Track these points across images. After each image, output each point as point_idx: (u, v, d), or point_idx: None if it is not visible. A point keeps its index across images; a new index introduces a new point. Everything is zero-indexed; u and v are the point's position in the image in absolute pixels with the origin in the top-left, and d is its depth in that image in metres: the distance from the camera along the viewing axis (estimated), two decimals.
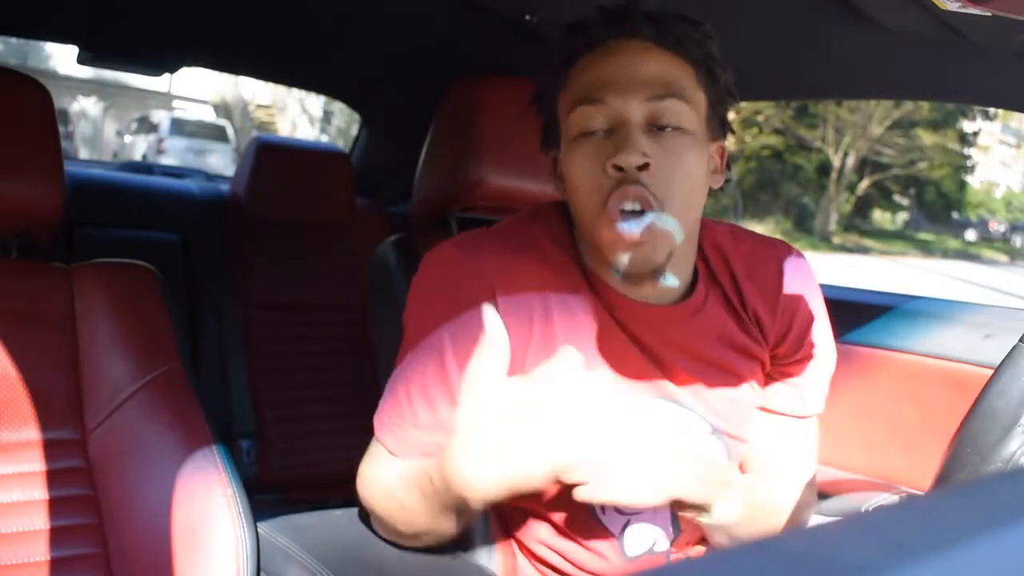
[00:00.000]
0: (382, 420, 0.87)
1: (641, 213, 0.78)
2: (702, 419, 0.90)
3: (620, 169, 0.79)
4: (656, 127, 0.81)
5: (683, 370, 0.88)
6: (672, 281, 0.84)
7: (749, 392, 0.92)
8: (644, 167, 0.78)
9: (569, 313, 0.86)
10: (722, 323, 0.90)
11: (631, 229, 0.78)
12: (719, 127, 0.87)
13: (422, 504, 0.78)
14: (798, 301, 0.92)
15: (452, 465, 0.70)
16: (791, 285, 0.92)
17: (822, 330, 0.94)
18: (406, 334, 0.88)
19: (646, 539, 0.91)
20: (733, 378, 0.90)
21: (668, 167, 0.79)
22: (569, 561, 0.93)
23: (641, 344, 0.87)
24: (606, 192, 0.79)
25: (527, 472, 0.67)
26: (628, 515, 0.90)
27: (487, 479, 0.68)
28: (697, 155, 0.82)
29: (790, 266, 0.93)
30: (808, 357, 0.92)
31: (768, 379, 0.94)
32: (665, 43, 0.82)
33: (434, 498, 0.76)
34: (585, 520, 0.89)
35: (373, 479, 0.86)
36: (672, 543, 0.92)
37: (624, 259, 0.80)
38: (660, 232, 0.79)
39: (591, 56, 0.83)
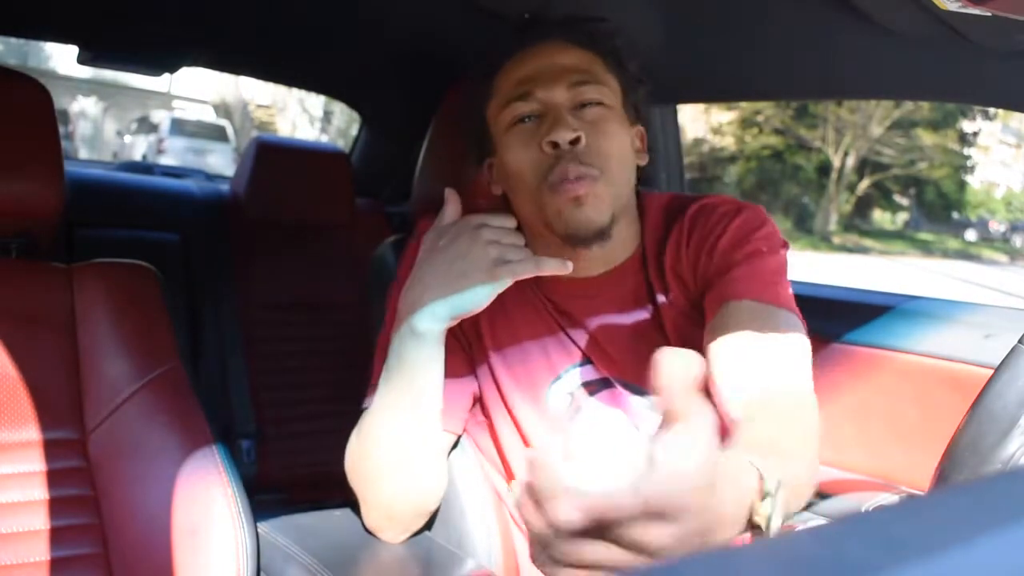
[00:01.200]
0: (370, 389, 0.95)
1: (581, 179, 0.86)
2: (640, 393, 0.92)
3: (556, 146, 0.86)
4: (581, 106, 0.89)
5: (618, 340, 0.93)
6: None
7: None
8: (576, 141, 0.86)
9: (506, 293, 0.91)
10: (655, 289, 0.94)
11: (573, 187, 0.85)
12: (635, 113, 0.95)
13: (389, 393, 0.90)
14: (717, 243, 0.91)
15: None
16: (715, 232, 0.91)
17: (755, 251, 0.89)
18: (390, 309, 0.98)
19: None
20: (662, 343, 0.91)
21: (597, 137, 0.87)
22: None
23: (571, 318, 0.95)
24: (546, 168, 0.87)
25: None
26: None
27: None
28: (620, 128, 0.91)
29: (712, 213, 0.93)
30: (746, 259, 0.88)
31: (718, 293, 0.89)
32: (576, 40, 0.92)
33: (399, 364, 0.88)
34: None
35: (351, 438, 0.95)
36: None
37: (570, 219, 0.87)
38: (600, 192, 0.86)
39: (513, 61, 0.93)
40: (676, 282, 0.93)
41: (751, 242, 0.90)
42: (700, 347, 0.86)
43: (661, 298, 0.94)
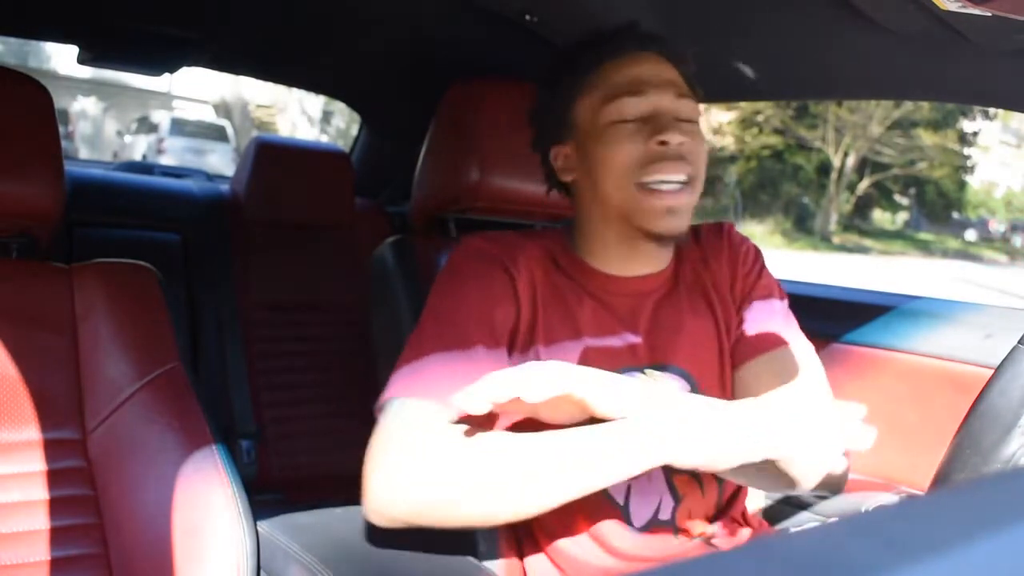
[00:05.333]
0: (431, 383, 0.85)
1: (679, 185, 0.94)
2: (683, 379, 0.98)
3: (665, 144, 0.93)
4: (679, 119, 0.96)
5: (664, 333, 0.99)
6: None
7: (719, 347, 1.02)
8: (682, 144, 0.94)
9: (561, 292, 0.99)
10: (693, 292, 1.04)
11: (670, 197, 0.93)
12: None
13: (587, 461, 0.76)
14: (748, 264, 1.06)
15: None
16: (738, 249, 1.07)
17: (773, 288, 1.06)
18: (429, 305, 0.96)
19: (649, 507, 0.95)
20: (707, 338, 1.01)
21: (695, 146, 0.96)
22: (574, 543, 0.93)
23: (621, 314, 0.99)
24: (647, 163, 0.93)
25: None
26: (629, 482, 0.93)
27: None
28: (704, 144, 0.99)
29: (734, 236, 1.08)
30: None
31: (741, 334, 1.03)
32: (669, 56, 1.00)
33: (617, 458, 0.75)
34: (592, 495, 0.90)
35: (458, 444, 0.79)
36: (675, 511, 0.95)
37: (663, 223, 0.94)
38: (688, 202, 0.95)
39: (617, 60, 0.98)
40: (712, 286, 1.04)
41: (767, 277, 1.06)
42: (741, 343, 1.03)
43: (704, 298, 1.03)
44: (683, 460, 0.75)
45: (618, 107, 0.96)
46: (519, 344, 0.95)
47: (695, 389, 0.98)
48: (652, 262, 1.02)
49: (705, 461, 0.75)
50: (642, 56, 0.99)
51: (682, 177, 0.94)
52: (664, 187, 0.93)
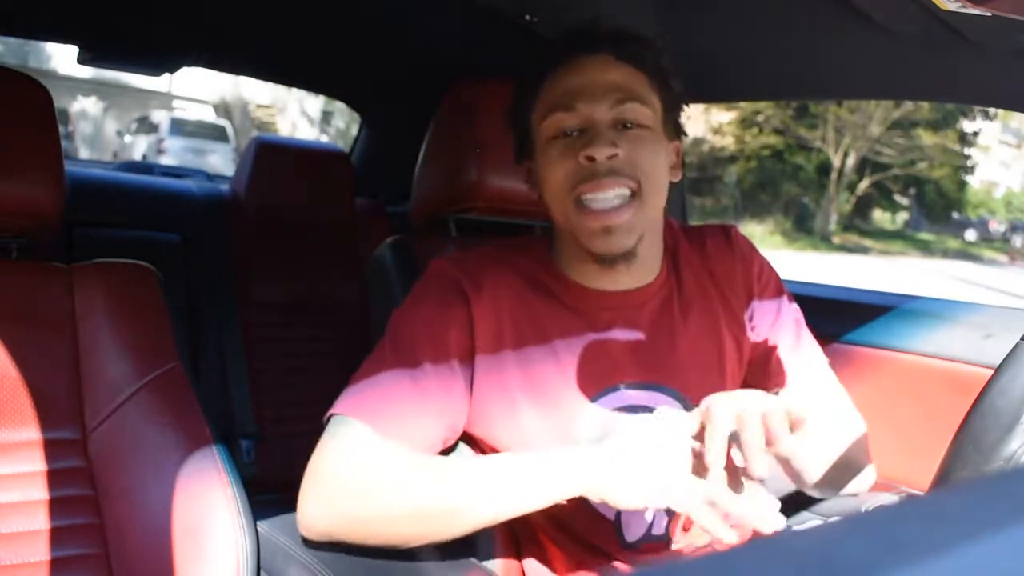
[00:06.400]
0: (374, 407, 0.89)
1: (618, 201, 0.88)
2: (673, 398, 0.94)
3: (592, 160, 0.88)
4: (621, 125, 0.91)
5: (657, 351, 0.96)
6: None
7: (719, 363, 0.99)
8: (613, 156, 0.88)
9: (536, 313, 0.95)
10: (693, 303, 0.99)
11: (604, 217, 0.88)
12: (674, 129, 0.98)
13: (507, 491, 0.81)
14: (760, 274, 1.04)
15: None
16: (749, 259, 1.04)
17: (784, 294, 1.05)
18: (389, 327, 0.95)
19: (642, 523, 0.93)
20: (707, 354, 0.98)
21: (634, 156, 0.89)
22: (571, 550, 0.93)
23: (603, 329, 0.95)
24: (579, 181, 0.89)
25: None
26: None
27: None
28: (657, 148, 0.93)
29: (741, 243, 1.05)
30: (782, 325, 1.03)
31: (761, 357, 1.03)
32: (622, 56, 0.93)
33: (534, 489, 0.80)
34: (582, 508, 0.89)
35: (385, 467, 0.85)
36: (668, 526, 0.94)
37: (599, 244, 0.90)
38: (630, 217, 0.89)
39: (560, 70, 0.94)
40: (718, 297, 1.01)
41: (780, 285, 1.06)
42: (746, 354, 1.02)
43: (706, 310, 1.00)
44: (596, 495, 0.79)
45: (551, 123, 0.92)
46: (481, 365, 0.92)
47: (689, 410, 0.94)
48: (634, 275, 0.96)
49: (618, 499, 0.78)
50: (589, 62, 0.93)
51: (620, 192, 0.88)
52: (597, 205, 0.88)
